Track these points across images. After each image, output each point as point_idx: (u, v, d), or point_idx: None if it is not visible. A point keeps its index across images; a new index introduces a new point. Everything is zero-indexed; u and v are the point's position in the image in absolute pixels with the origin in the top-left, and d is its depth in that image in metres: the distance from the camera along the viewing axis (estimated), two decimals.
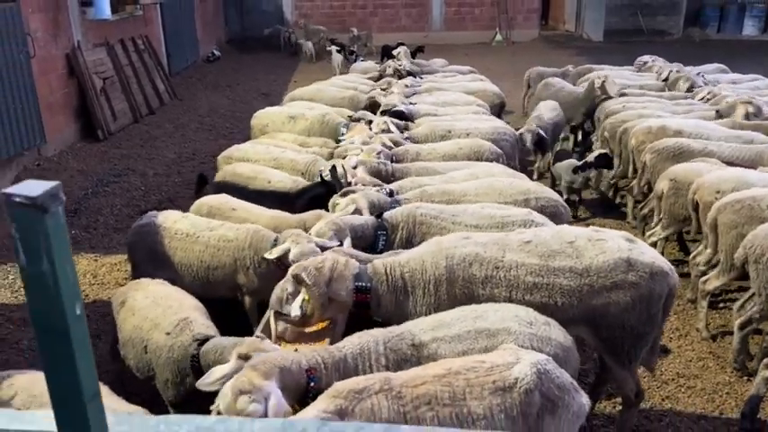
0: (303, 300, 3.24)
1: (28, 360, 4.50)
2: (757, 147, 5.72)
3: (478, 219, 3.95)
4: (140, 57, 12.30)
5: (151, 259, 4.32)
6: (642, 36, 21.89)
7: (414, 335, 2.89)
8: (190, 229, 4.28)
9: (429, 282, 3.27)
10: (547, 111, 8.14)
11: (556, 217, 4.20)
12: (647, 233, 5.59)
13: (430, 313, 3.23)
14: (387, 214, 4.06)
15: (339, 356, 2.74)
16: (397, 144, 5.87)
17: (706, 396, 3.99)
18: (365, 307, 3.32)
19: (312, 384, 2.58)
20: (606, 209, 7.22)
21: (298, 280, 3.26)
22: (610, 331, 3.22)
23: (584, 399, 2.59)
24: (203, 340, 3.10)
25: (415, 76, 9.66)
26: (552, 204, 4.41)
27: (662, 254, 5.67)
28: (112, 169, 8.72)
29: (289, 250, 3.73)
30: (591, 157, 6.91)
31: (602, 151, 6.98)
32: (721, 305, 5.06)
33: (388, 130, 6.25)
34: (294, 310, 3.24)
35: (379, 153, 5.42)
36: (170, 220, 4.40)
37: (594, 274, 3.15)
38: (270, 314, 3.43)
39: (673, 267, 3.27)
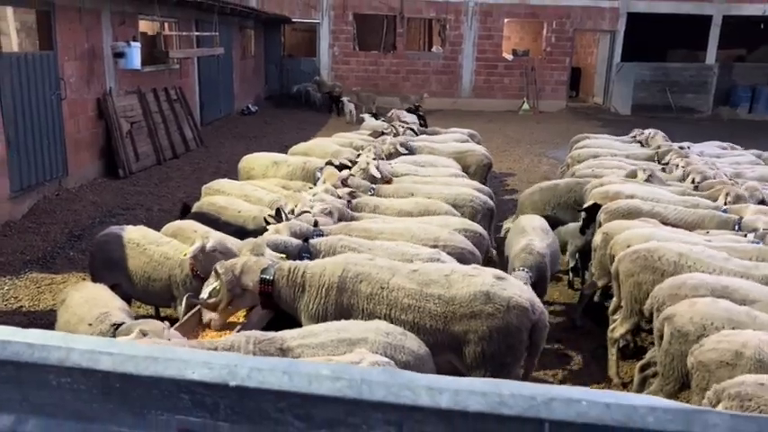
0: (214, 287, 3.87)
1: None
2: (700, 211, 5.99)
3: (391, 254, 4.37)
4: (171, 105, 13.34)
5: (106, 266, 4.93)
6: (670, 112, 22.17)
7: (284, 340, 3.31)
8: (141, 241, 4.86)
9: (323, 286, 3.75)
10: (539, 232, 5.75)
11: (462, 263, 4.42)
12: (586, 284, 5.86)
13: (319, 313, 3.73)
14: (312, 240, 4.55)
15: (209, 348, 3.17)
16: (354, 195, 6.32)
17: None
18: (269, 297, 3.85)
19: None
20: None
21: (215, 271, 3.90)
22: (472, 359, 3.56)
23: None
24: (120, 324, 3.58)
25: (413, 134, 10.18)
26: (458, 252, 4.72)
27: (601, 305, 6.02)
28: (123, 203, 9.49)
29: (202, 247, 4.36)
30: (584, 212, 6.57)
31: (591, 202, 6.66)
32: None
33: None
34: (203, 293, 3.89)
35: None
36: (127, 232, 5.00)
37: (458, 303, 3.54)
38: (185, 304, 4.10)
39: (539, 306, 3.60)
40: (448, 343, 3.58)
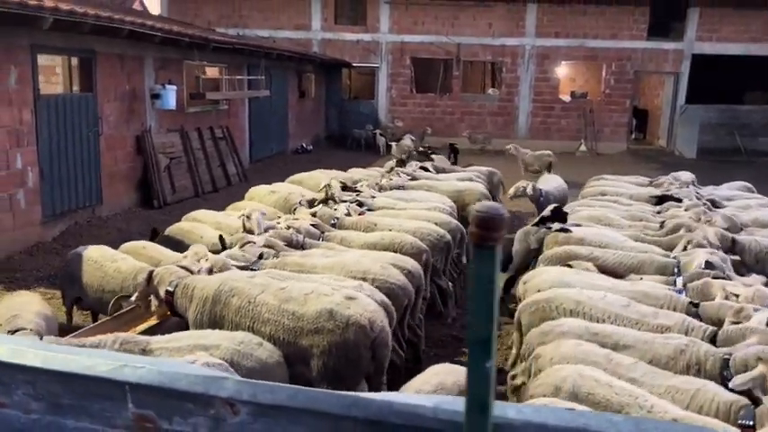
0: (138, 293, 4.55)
1: None
2: (640, 256, 5.85)
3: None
4: (215, 143, 14.36)
5: (69, 282, 5.56)
6: (740, 156, 21.14)
7: (149, 343, 3.72)
8: (98, 259, 5.48)
9: (203, 297, 4.20)
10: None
11: (391, 297, 4.59)
12: None
13: (197, 322, 4.16)
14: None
15: (77, 345, 3.62)
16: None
17: None
18: (172, 305, 4.35)
19: None
20: None
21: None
22: (316, 371, 3.83)
23: None
24: (15, 330, 4.11)
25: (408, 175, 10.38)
26: (387, 286, 4.84)
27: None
28: (146, 230, 10.29)
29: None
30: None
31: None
32: None
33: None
34: (133, 297, 4.59)
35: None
36: (89, 250, 5.63)
37: (306, 320, 3.84)
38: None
39: (379, 324, 3.81)
40: (298, 355, 3.88)
